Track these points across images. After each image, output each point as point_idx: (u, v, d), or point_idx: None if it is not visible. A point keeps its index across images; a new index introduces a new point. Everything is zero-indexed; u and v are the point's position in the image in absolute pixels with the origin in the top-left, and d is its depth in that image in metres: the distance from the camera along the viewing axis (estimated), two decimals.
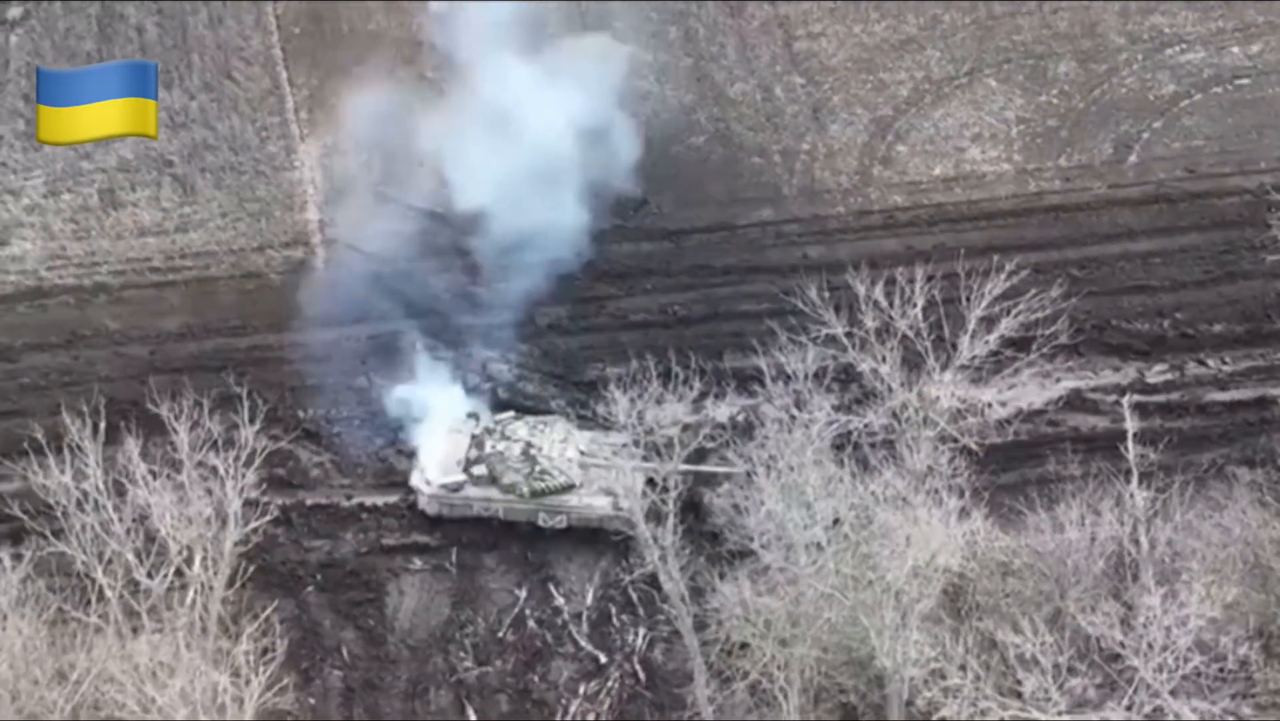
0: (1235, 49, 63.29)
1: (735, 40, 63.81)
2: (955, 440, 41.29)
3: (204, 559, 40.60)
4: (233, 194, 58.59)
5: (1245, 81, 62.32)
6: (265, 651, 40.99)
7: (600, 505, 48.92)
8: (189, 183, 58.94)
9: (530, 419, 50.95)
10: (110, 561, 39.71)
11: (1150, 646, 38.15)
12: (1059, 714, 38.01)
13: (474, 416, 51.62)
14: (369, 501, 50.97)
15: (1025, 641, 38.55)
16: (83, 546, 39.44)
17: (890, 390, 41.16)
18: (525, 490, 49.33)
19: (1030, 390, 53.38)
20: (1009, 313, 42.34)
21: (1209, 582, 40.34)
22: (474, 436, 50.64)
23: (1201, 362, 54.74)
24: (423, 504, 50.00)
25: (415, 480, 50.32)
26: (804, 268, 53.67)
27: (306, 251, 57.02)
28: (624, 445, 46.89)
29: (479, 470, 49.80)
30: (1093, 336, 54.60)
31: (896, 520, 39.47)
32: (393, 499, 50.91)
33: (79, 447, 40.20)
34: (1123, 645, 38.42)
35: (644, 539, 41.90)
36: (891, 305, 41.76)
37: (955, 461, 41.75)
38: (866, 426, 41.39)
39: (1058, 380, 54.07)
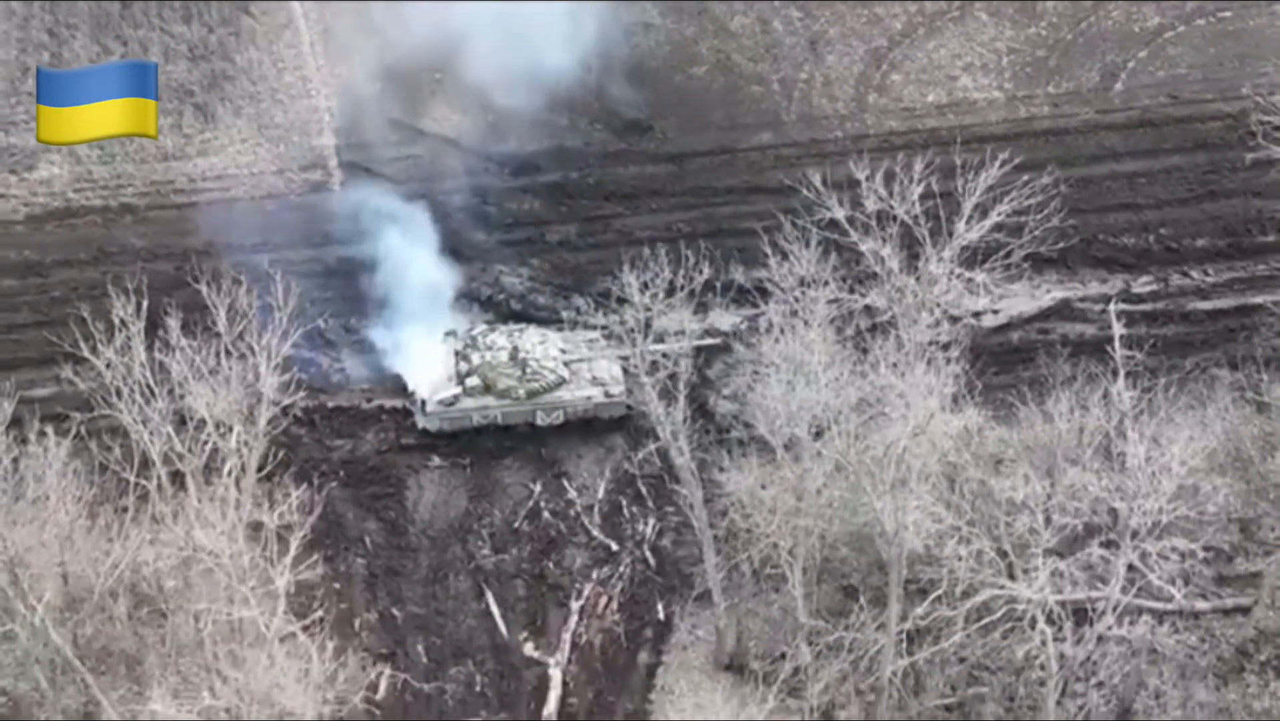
0: None
1: None
2: (955, 319, 43.41)
3: (239, 434, 42.65)
4: (252, 121, 60.57)
5: (1227, 14, 64.60)
6: (291, 527, 43.12)
7: (593, 394, 51.51)
8: (209, 111, 60.96)
9: (505, 327, 53.27)
10: (153, 432, 41.79)
11: (1136, 492, 40.38)
12: (1047, 549, 40.26)
13: (451, 333, 53.76)
14: (387, 404, 53.05)
15: (1017, 488, 40.82)
16: (129, 414, 41.57)
17: (891, 272, 43.33)
18: (521, 392, 51.62)
19: (1021, 300, 55.77)
20: (1001, 200, 44.45)
21: (1190, 437, 42.47)
22: (457, 352, 52.88)
23: (1185, 274, 57.09)
24: (423, 422, 52.11)
25: (413, 401, 52.47)
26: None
27: (324, 174, 59.04)
28: (595, 339, 50.26)
29: (473, 381, 52.01)
30: (1081, 250, 56.79)
31: (898, 384, 41.65)
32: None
33: (123, 323, 42.21)
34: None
35: (655, 416, 44.11)
36: (891, 193, 43.95)
37: (953, 340, 43.91)
38: (866, 306, 43.53)
39: (1047, 291, 56.34)
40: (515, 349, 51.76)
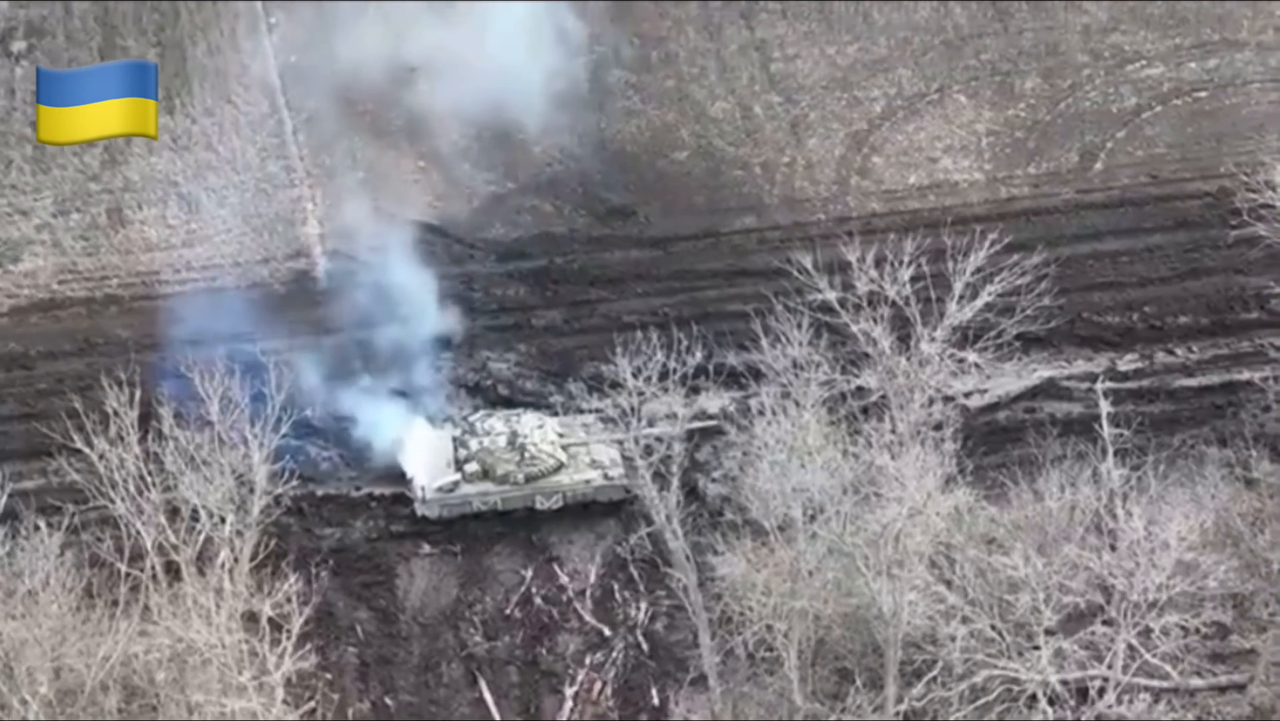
0: (1193, 64, 66.22)
1: (715, 63, 66.51)
2: (948, 399, 43.61)
3: (231, 524, 42.55)
4: (236, 210, 60.70)
5: (1203, 94, 65.23)
6: (288, 617, 42.95)
7: (592, 477, 51.44)
8: (194, 200, 61.11)
9: (503, 412, 53.27)
10: (145, 523, 41.69)
11: (1136, 566, 40.48)
12: (1048, 629, 40.28)
13: (449, 420, 53.74)
14: (377, 491, 52.96)
15: (1017, 567, 40.86)
16: (124, 505, 41.48)
17: (883, 353, 43.53)
18: (520, 477, 51.57)
19: (1008, 380, 55.99)
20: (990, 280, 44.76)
21: (1186, 514, 42.61)
22: (455, 438, 52.84)
23: (1170, 352, 57.36)
24: (422, 510, 52.03)
25: (412, 488, 52.35)
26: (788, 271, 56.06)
27: (309, 263, 59.16)
28: (593, 423, 50.25)
29: (471, 467, 51.97)
30: (1065, 330, 57.04)
31: (893, 465, 41.75)
32: (400, 488, 52.93)
33: (116, 414, 42.15)
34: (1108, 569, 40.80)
35: (649, 500, 44.12)
36: (882, 275, 44.21)
37: (945, 420, 44.06)
38: (860, 388, 43.70)
39: (1033, 370, 56.57)
40: (513, 434, 51.79)
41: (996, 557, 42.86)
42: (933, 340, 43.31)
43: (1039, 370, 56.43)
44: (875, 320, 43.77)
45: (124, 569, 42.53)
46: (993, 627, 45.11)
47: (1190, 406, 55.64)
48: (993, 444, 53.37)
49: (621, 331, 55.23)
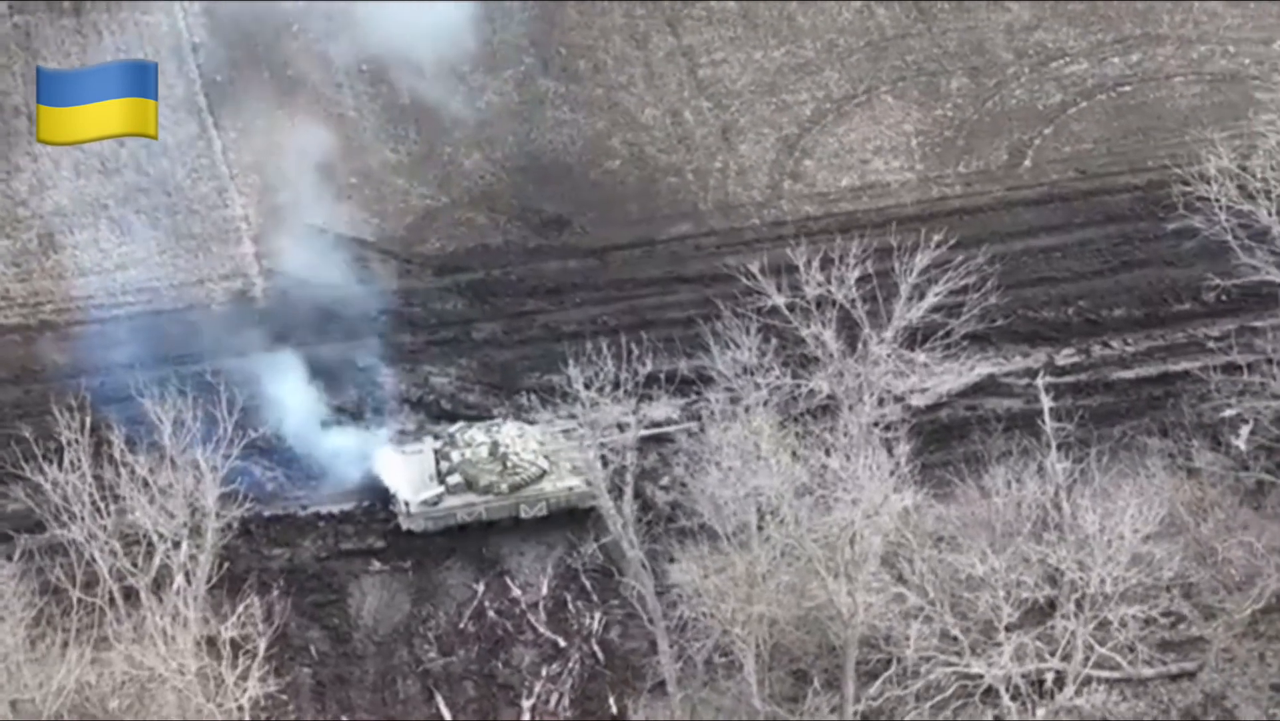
0: (1115, 59, 66.83)
1: (642, 70, 66.56)
2: (899, 399, 43.92)
3: (186, 549, 42.33)
4: (169, 232, 60.32)
5: (1127, 89, 65.84)
6: (249, 638, 42.83)
7: (574, 483, 51.36)
8: (125, 224, 60.66)
9: (483, 423, 53.14)
10: (100, 549, 41.42)
11: (1092, 559, 40.92)
12: (1009, 625, 40.64)
13: (433, 435, 53.67)
14: (324, 510, 52.79)
15: (974, 565, 41.21)
16: (79, 532, 41.18)
17: (832, 356, 43.79)
18: (504, 486, 51.56)
19: (949, 378, 56.21)
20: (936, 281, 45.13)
21: (1140, 505, 43.09)
22: (436, 451, 52.75)
23: (1106, 345, 57.92)
24: (407, 524, 51.90)
25: (396, 503, 52.24)
26: (724, 277, 56.28)
27: (245, 282, 58.87)
28: (572, 429, 49.50)
29: (454, 479, 51.88)
30: (1003, 326, 57.44)
31: (847, 466, 41.99)
32: (347, 507, 52.79)
33: (71, 442, 41.84)
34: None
35: (606, 510, 44.21)
36: (828, 279, 44.49)
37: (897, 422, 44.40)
38: (810, 390, 43.95)
39: (973, 368, 56.85)
40: (495, 444, 51.63)
41: (954, 556, 43.18)
42: (881, 341, 43.54)
43: (978, 367, 56.75)
44: (824, 324, 43.98)
45: (76, 596, 42.07)
46: (949, 625, 45.66)
47: (1129, 398, 56.21)
48: (937, 442, 53.83)
49: (560, 342, 55.72)
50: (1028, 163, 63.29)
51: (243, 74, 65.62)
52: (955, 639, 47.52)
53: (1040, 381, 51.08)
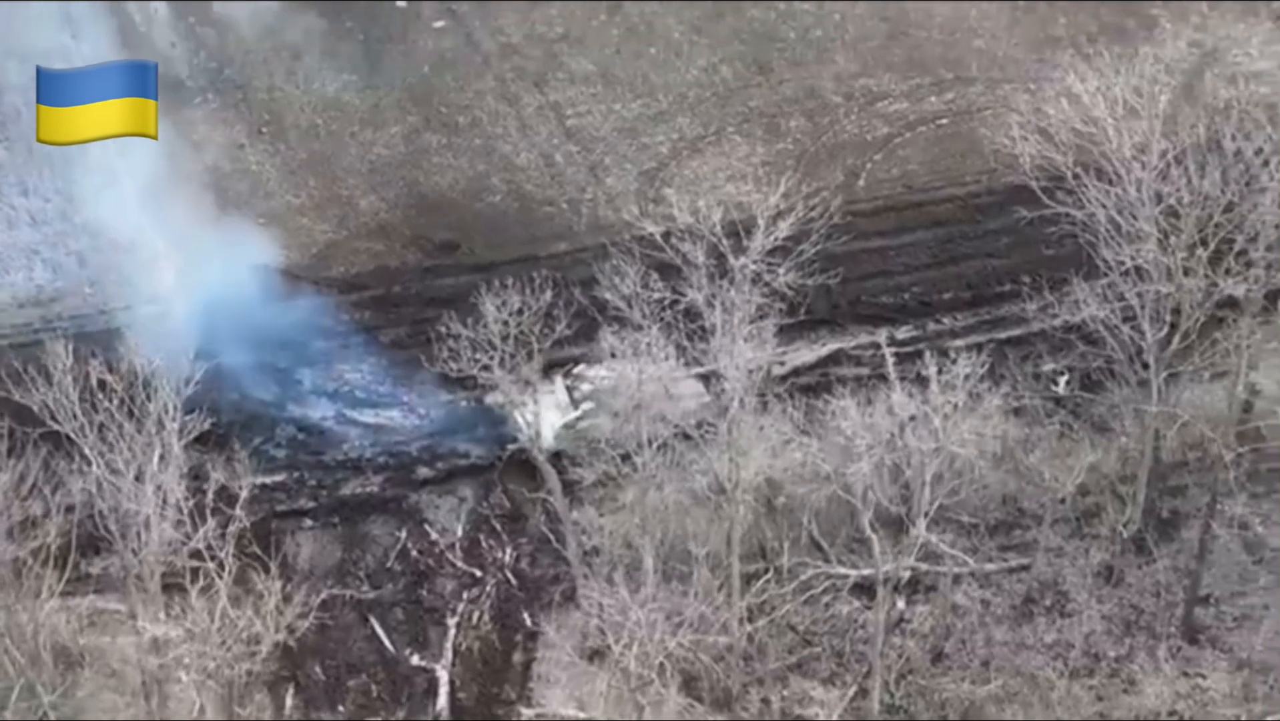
0: (933, 98, 75.65)
1: (515, 123, 74.42)
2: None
3: None
4: (98, 269, 66.85)
5: (944, 121, 74.66)
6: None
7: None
8: (55, 265, 67.13)
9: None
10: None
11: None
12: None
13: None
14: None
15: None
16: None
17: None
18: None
19: (802, 352, 64.11)
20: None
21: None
22: (567, 386, 61.20)
23: (939, 321, 66.03)
24: (554, 445, 58.27)
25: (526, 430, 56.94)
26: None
27: (165, 306, 65.38)
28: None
29: (588, 405, 60.17)
30: (847, 310, 65.41)
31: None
32: (279, 477, 59.23)
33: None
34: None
35: (520, 417, 51.47)
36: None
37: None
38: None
39: (823, 344, 64.76)
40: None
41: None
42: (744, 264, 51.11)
43: (828, 344, 64.56)
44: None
45: None
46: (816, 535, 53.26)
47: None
48: (793, 399, 61.09)
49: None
50: (861, 182, 71.63)
51: None
52: (822, 547, 55.22)
53: (884, 342, 59.19)
